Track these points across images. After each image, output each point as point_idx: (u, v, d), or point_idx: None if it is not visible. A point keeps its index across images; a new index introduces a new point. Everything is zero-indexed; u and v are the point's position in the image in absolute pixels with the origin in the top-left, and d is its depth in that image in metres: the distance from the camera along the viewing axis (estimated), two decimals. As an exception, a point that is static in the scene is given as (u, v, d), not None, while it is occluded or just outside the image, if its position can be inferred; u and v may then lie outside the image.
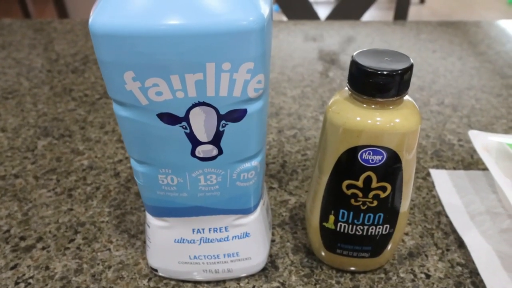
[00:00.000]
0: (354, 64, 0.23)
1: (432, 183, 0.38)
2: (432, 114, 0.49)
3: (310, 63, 0.61)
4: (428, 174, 0.39)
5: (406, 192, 0.26)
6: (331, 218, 0.27)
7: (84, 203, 0.36)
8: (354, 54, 0.23)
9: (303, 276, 0.30)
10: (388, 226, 0.27)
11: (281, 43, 0.68)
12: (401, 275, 0.30)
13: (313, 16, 0.96)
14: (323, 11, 2.33)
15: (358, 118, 0.23)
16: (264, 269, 0.30)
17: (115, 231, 0.33)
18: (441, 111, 0.49)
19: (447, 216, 0.35)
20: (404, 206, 0.27)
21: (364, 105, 0.24)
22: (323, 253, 0.30)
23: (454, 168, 0.40)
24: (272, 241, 0.33)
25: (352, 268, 0.30)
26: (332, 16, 0.96)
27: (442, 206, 0.36)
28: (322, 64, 0.61)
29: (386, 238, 0.28)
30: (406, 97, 0.25)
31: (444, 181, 0.38)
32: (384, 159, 0.24)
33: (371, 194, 0.25)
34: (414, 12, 3.24)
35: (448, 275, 0.30)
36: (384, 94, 0.23)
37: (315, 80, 0.56)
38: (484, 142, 0.35)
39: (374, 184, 0.25)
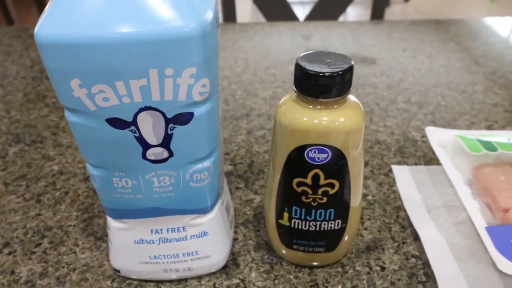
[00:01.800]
0: (297, 67, 0.24)
1: (394, 179, 0.39)
2: (399, 112, 0.50)
3: (283, 64, 0.62)
4: (390, 170, 0.40)
5: (355, 188, 0.27)
6: (285, 215, 0.28)
7: (53, 208, 0.37)
8: (299, 57, 0.25)
9: (263, 272, 0.31)
10: (340, 221, 0.28)
11: (255, 45, 0.69)
12: (357, 268, 0.31)
13: (292, 17, 0.97)
14: (305, 11, 2.35)
15: (305, 118, 0.24)
16: (225, 267, 0.31)
17: (81, 234, 0.34)
18: (407, 108, 0.51)
19: (405, 211, 0.36)
20: (355, 201, 0.28)
21: (310, 106, 0.25)
22: (281, 250, 0.31)
23: (416, 164, 0.41)
24: (235, 239, 0.34)
25: (310, 263, 0.31)
26: (311, 17, 0.98)
27: (401, 201, 0.37)
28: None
29: (339, 233, 0.29)
30: (351, 97, 0.26)
31: (405, 177, 0.39)
32: (329, 157, 0.25)
33: (320, 191, 0.26)
34: (399, 10, 3.27)
35: (402, 267, 0.31)
36: (326, 95, 0.24)
37: (287, 81, 0.57)
38: (440, 138, 0.36)
39: (322, 181, 0.26)
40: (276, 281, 0.30)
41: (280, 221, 0.29)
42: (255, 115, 0.50)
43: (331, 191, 0.26)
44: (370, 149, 0.44)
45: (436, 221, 0.34)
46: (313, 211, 0.27)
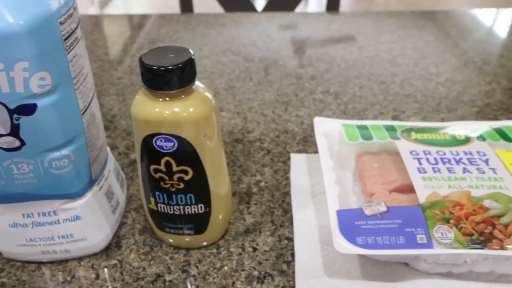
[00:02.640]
0: (140, 63, 0.25)
1: (290, 166, 0.41)
2: (314, 102, 0.52)
3: (216, 55, 0.63)
4: (289, 158, 0.42)
5: (214, 175, 0.29)
6: (152, 200, 0.30)
7: (-44, 195, 0.38)
8: (143, 53, 0.26)
9: (141, 254, 0.33)
10: (202, 205, 0.30)
11: (195, 35, 0.70)
12: (231, 249, 0.33)
13: (251, 7, 0.98)
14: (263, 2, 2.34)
15: (150, 109, 0.26)
16: (107, 249, 0.33)
17: (-22, 220, 0.36)
18: (323, 99, 0.52)
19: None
20: (217, 187, 0.30)
21: (160, 99, 0.26)
22: (159, 233, 0.32)
23: (315, 152, 0.43)
24: (124, 223, 0.35)
25: (187, 245, 0.33)
26: (268, 8, 0.99)
27: (291, 187, 0.39)
28: (227, 57, 0.63)
29: (205, 216, 0.30)
30: (203, 89, 0.27)
31: (300, 164, 0.41)
32: (176, 146, 0.26)
33: (175, 177, 0.28)
34: (382, 0, 3.28)
35: (273, 248, 0.33)
36: (165, 88, 0.25)
37: (215, 72, 0.59)
38: (326, 128, 0.38)
39: (175, 168, 0.27)
40: (152, 262, 0.32)
41: (149, 205, 0.31)
42: (175, 105, 0.51)
43: (186, 178, 0.28)
44: (277, 138, 0.46)
45: (316, 206, 0.36)
46: (174, 196, 0.29)
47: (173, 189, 0.29)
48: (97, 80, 0.58)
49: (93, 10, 2.47)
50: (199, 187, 0.29)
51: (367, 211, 0.29)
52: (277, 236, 0.34)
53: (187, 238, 0.32)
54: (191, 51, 0.26)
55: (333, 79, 0.56)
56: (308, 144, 0.44)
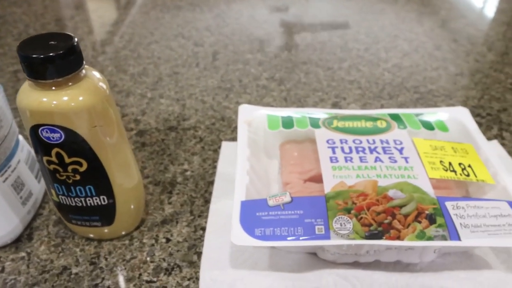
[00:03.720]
0: (17, 52, 0.24)
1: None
2: (257, 88, 0.51)
3: (167, 40, 0.62)
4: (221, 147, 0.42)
5: (117, 167, 0.28)
6: (53, 192, 0.29)
7: None
8: (22, 41, 0.25)
9: (52, 245, 0.32)
10: (105, 197, 0.29)
11: (148, 19, 0.68)
12: (144, 240, 0.33)
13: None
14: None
15: (32, 99, 0.25)
16: (18, 240, 0.32)
17: None
18: (267, 85, 0.51)
19: (215, 185, 0.37)
20: (123, 179, 0.29)
21: (41, 88, 0.25)
22: (68, 224, 0.32)
23: (249, 140, 0.43)
24: (40, 214, 0.35)
25: (99, 237, 0.32)
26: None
27: (216, 176, 0.38)
28: (178, 41, 0.62)
29: (109, 208, 0.30)
30: (95, 78, 0.26)
31: (230, 152, 0.40)
32: (63, 137, 0.26)
33: (69, 169, 0.27)
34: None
35: (187, 239, 0.33)
36: (43, 76, 0.24)
37: (162, 57, 0.58)
38: (250, 115, 0.37)
39: (67, 159, 0.27)
40: (61, 254, 0.32)
41: (52, 197, 0.30)
42: (114, 92, 0.50)
43: (81, 169, 0.27)
44: (212, 125, 0.45)
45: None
46: (72, 187, 0.28)
47: (70, 181, 0.28)
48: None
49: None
50: (98, 179, 0.28)
51: (271, 202, 0.29)
52: (193, 226, 0.34)
53: (97, 230, 0.31)
54: (75, 38, 0.25)
55: (281, 65, 0.55)
56: (242, 132, 0.44)
